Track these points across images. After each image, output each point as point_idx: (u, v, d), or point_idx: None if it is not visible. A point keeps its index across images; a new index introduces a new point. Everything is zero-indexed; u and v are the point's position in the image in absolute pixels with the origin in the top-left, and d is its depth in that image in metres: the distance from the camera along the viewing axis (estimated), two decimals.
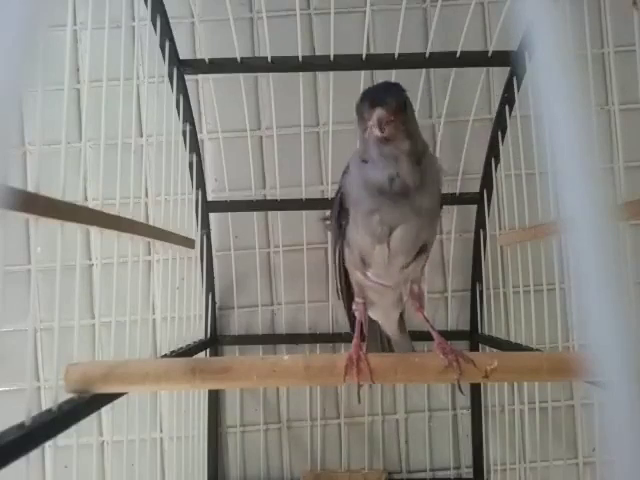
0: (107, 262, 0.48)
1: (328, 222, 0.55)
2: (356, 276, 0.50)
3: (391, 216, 0.44)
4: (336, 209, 0.48)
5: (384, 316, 0.57)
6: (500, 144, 0.72)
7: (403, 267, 0.48)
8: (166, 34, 0.64)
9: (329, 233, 0.63)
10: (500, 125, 0.72)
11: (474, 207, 0.80)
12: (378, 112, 0.41)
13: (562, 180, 0.17)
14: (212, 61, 0.68)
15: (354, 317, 0.55)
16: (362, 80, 0.71)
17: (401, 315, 0.58)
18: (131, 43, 0.80)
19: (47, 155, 0.38)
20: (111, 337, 0.49)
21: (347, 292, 0.54)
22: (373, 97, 0.42)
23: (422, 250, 0.48)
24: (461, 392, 0.48)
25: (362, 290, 0.52)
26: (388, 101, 0.41)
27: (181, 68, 0.68)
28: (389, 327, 0.59)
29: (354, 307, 0.53)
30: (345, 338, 0.82)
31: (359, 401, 0.49)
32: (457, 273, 0.84)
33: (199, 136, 0.80)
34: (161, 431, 0.80)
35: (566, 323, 0.63)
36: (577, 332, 0.67)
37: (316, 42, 0.85)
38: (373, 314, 0.57)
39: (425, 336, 0.79)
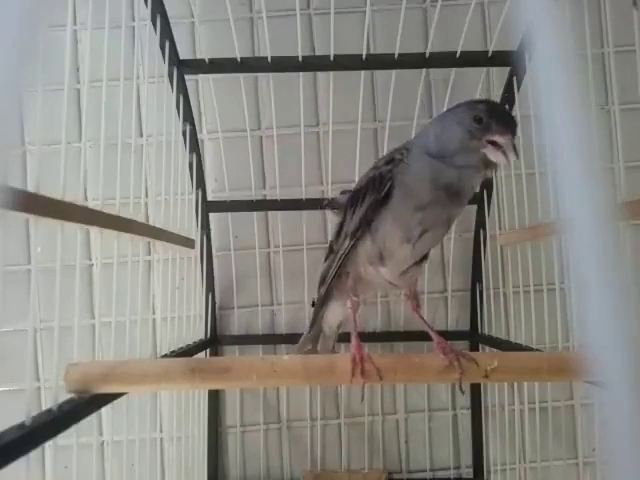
0: (107, 262, 0.48)
1: (335, 210, 0.54)
2: (365, 271, 0.49)
3: (433, 219, 0.44)
4: (375, 196, 0.46)
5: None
6: None
7: (409, 268, 0.48)
8: (166, 34, 0.64)
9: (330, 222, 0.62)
10: None
11: (474, 207, 0.80)
12: (511, 139, 0.41)
13: (562, 180, 0.17)
14: (212, 61, 0.68)
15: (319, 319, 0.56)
16: (362, 80, 0.71)
17: None
18: (131, 43, 0.79)
19: (47, 155, 0.38)
20: (111, 337, 0.49)
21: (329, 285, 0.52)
22: (508, 121, 0.43)
23: (425, 256, 0.49)
24: (461, 391, 0.48)
25: (357, 287, 0.51)
26: (515, 134, 0.43)
27: (181, 68, 0.68)
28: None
29: (348, 304, 0.51)
30: (344, 338, 0.82)
31: (362, 399, 0.49)
32: (457, 273, 0.84)
33: (199, 136, 0.80)
34: (161, 431, 0.80)
35: (566, 323, 0.63)
36: (577, 332, 0.67)
37: (316, 42, 0.85)
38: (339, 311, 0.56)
39: (424, 336, 0.80)
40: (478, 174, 0.44)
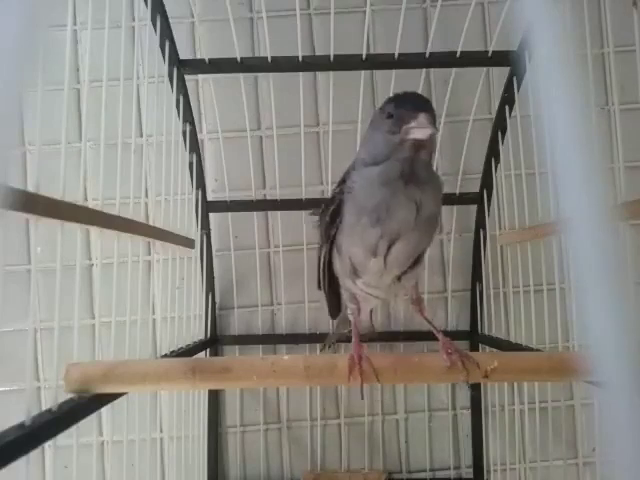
0: (107, 262, 0.48)
1: (316, 220, 0.54)
2: (346, 283, 0.50)
3: (397, 226, 0.44)
4: (327, 215, 0.48)
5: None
6: (500, 144, 0.72)
7: (396, 279, 0.48)
8: (166, 34, 0.64)
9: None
10: (500, 125, 0.72)
11: (474, 207, 0.80)
12: (424, 116, 0.41)
13: (562, 180, 0.17)
14: (212, 61, 0.68)
15: (335, 309, 0.57)
16: (362, 80, 0.71)
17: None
18: (131, 43, 0.79)
19: (47, 155, 0.38)
20: (111, 337, 0.49)
21: (329, 287, 0.54)
22: (414, 102, 0.43)
23: (417, 261, 0.48)
24: (470, 389, 0.47)
25: (352, 295, 0.52)
26: (430, 110, 0.42)
27: (181, 68, 0.68)
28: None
29: (348, 312, 0.53)
30: (345, 338, 0.82)
31: (362, 397, 0.49)
32: (457, 273, 0.84)
33: (199, 136, 0.80)
34: (161, 431, 0.80)
35: (566, 323, 0.63)
36: (577, 332, 0.67)
37: (316, 42, 0.85)
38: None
39: (425, 336, 0.80)
40: (415, 159, 0.43)
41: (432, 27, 0.65)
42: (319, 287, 0.56)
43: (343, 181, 0.47)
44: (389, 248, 0.45)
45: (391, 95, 0.46)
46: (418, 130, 0.41)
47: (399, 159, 0.43)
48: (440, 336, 0.48)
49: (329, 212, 0.48)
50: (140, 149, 0.64)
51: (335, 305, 0.58)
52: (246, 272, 0.84)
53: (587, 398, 0.78)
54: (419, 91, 0.73)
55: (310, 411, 0.83)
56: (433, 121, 0.42)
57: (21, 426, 0.34)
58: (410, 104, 0.43)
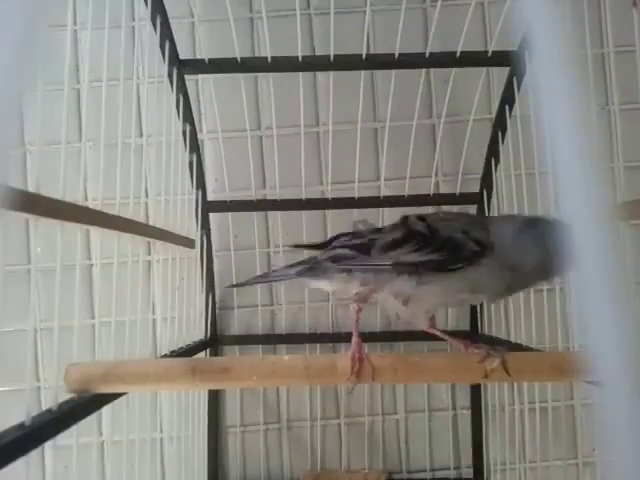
0: (107, 262, 0.48)
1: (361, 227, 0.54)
2: (384, 298, 0.48)
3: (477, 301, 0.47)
4: (441, 257, 0.45)
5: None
6: (500, 144, 0.72)
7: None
8: (166, 34, 0.64)
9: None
10: (500, 125, 0.72)
11: (474, 207, 0.80)
12: None
13: (562, 180, 0.17)
14: (212, 61, 0.68)
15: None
16: (362, 80, 0.71)
17: None
18: (131, 43, 0.79)
19: (47, 155, 0.38)
20: (111, 337, 0.49)
21: None
22: None
23: None
24: (508, 374, 0.45)
25: (367, 298, 0.50)
26: None
27: (181, 68, 0.68)
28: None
29: (352, 307, 0.51)
30: (345, 338, 0.82)
31: (351, 391, 0.49)
32: None
33: (199, 136, 0.80)
34: (161, 431, 0.80)
35: (566, 323, 0.63)
36: (577, 332, 0.67)
37: (316, 42, 0.85)
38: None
39: (424, 336, 0.80)
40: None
41: (432, 27, 0.65)
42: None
43: (479, 242, 0.45)
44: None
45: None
46: None
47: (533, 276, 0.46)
48: (454, 341, 0.50)
49: (461, 263, 0.45)
50: (140, 149, 0.64)
51: None
52: (246, 272, 0.84)
53: (587, 398, 0.78)
54: (419, 91, 0.73)
55: (310, 411, 0.83)
56: None
57: (21, 426, 0.34)
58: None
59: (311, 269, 0.51)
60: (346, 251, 0.48)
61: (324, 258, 0.50)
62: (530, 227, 0.45)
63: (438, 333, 0.51)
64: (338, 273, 0.48)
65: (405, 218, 0.50)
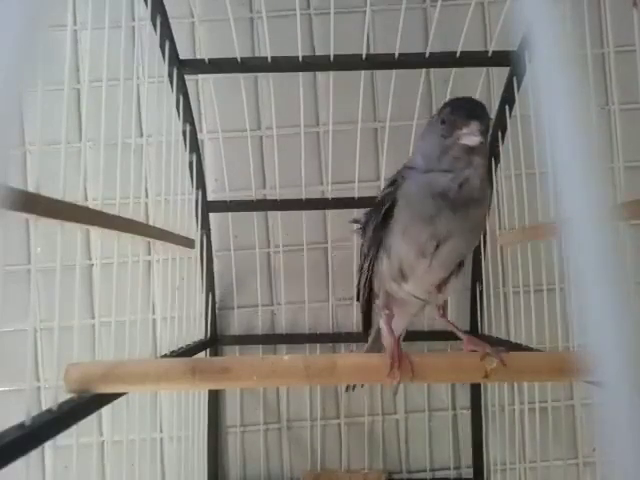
0: (107, 262, 0.48)
1: (359, 226, 0.55)
2: (389, 286, 0.51)
3: (445, 229, 0.45)
4: (378, 217, 0.49)
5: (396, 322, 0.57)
6: (500, 144, 0.72)
7: (441, 282, 0.49)
8: (166, 34, 0.64)
9: (355, 236, 0.63)
10: (500, 125, 0.72)
11: None
12: (475, 123, 0.43)
13: (562, 180, 0.17)
14: (212, 61, 0.68)
15: (367, 319, 0.58)
16: (362, 80, 0.71)
17: None
18: (131, 43, 0.79)
19: (47, 155, 0.38)
20: (111, 337, 0.49)
21: (367, 296, 0.55)
22: (469, 109, 0.44)
23: (460, 264, 0.50)
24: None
25: (389, 300, 0.52)
26: (483, 116, 0.44)
27: (181, 68, 0.68)
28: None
29: (382, 319, 0.53)
30: (345, 338, 0.82)
31: (395, 393, 0.50)
32: None
33: (199, 136, 0.80)
34: (161, 431, 0.80)
35: (566, 323, 0.63)
36: (577, 332, 0.67)
37: (316, 42, 0.85)
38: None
39: (425, 336, 0.80)
40: (468, 170, 0.45)
41: (432, 27, 0.65)
42: (357, 299, 0.57)
43: (394, 181, 0.49)
44: (436, 249, 0.46)
45: (447, 99, 0.48)
46: (467, 137, 0.43)
47: (453, 164, 0.44)
48: (462, 335, 0.50)
49: (381, 211, 0.48)
50: (140, 149, 0.64)
51: (367, 319, 0.59)
52: (246, 272, 0.84)
53: (587, 398, 0.78)
54: (419, 91, 0.73)
55: (310, 411, 0.83)
56: (485, 130, 0.43)
57: (21, 426, 0.34)
58: (464, 111, 0.44)
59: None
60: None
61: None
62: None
63: (449, 323, 0.53)
64: None
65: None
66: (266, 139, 0.85)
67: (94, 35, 0.45)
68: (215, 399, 0.82)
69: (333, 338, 0.83)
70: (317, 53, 0.84)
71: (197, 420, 0.74)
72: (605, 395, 0.16)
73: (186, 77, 0.70)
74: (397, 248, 0.48)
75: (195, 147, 0.75)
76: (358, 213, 0.59)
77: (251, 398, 0.84)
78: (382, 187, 0.53)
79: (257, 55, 0.84)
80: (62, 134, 0.42)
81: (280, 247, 0.83)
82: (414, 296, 0.51)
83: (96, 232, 0.46)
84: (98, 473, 0.78)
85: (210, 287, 0.81)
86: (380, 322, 0.56)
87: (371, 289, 0.54)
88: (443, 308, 0.54)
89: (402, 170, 0.49)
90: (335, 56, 0.66)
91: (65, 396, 0.41)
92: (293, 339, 0.83)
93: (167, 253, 0.65)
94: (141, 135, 0.75)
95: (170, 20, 0.63)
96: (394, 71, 0.69)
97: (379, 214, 0.48)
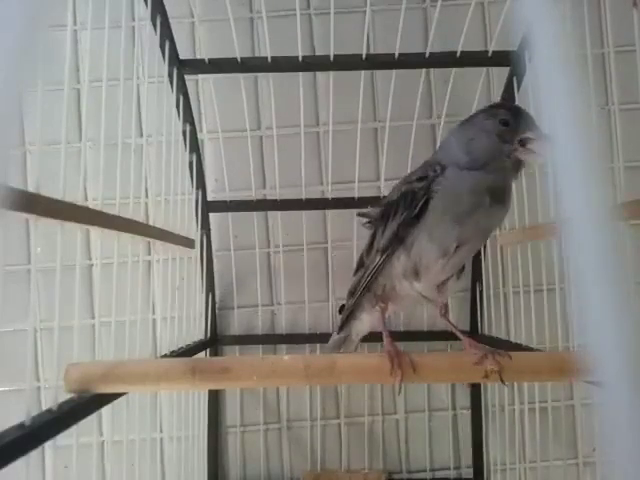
0: (107, 262, 0.48)
1: (367, 221, 0.54)
2: (399, 284, 0.49)
3: (473, 230, 0.44)
4: (409, 212, 0.45)
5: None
6: None
7: (445, 282, 0.49)
8: (166, 34, 0.64)
9: (355, 235, 0.61)
10: None
11: None
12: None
13: (562, 180, 0.17)
14: (212, 61, 0.68)
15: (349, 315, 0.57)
16: (362, 80, 0.71)
17: None
18: (131, 43, 0.79)
19: (47, 155, 0.38)
20: (111, 337, 0.49)
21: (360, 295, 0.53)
22: (532, 119, 0.43)
23: (462, 267, 0.50)
24: (504, 384, 0.46)
25: (388, 298, 0.51)
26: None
27: (181, 68, 0.68)
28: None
29: (376, 309, 0.52)
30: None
31: (399, 392, 0.49)
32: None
33: (199, 136, 0.80)
34: (161, 431, 0.80)
35: (566, 323, 0.63)
36: (577, 332, 0.67)
37: (316, 42, 0.85)
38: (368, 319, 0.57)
39: (425, 336, 0.80)
40: (512, 177, 0.45)
41: (432, 27, 0.65)
42: (351, 295, 0.54)
43: (424, 177, 0.46)
44: (455, 250, 0.45)
45: (495, 102, 0.47)
46: (534, 155, 0.42)
47: (501, 169, 0.44)
48: (463, 336, 0.50)
49: (416, 206, 0.45)
50: (140, 149, 0.64)
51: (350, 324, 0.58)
52: (246, 272, 0.84)
53: (587, 398, 0.78)
54: (419, 91, 0.73)
55: (310, 411, 0.83)
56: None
57: (21, 426, 0.34)
58: (527, 118, 0.43)
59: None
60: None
61: None
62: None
63: (450, 324, 0.53)
64: None
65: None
66: (266, 139, 0.85)
67: (94, 35, 0.45)
68: (215, 399, 0.82)
69: None
70: (317, 53, 0.84)
71: (197, 420, 0.74)
72: (605, 395, 0.16)
73: (186, 77, 0.70)
74: (420, 246, 0.46)
75: (195, 147, 0.75)
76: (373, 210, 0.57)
77: (251, 398, 0.84)
78: (397, 183, 0.50)
79: (257, 55, 0.84)
80: (62, 134, 0.42)
81: (280, 247, 0.83)
82: (422, 295, 0.50)
83: (96, 232, 0.46)
84: (98, 473, 0.78)
85: (210, 287, 0.81)
86: (365, 316, 0.55)
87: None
88: (445, 307, 0.53)
89: (431, 164, 0.47)
90: (335, 56, 0.66)
91: (65, 396, 0.40)
92: (293, 339, 0.83)
93: (167, 253, 0.65)
94: (141, 135, 0.75)
95: (170, 20, 0.64)
96: (394, 71, 0.69)
97: (411, 209, 0.45)
